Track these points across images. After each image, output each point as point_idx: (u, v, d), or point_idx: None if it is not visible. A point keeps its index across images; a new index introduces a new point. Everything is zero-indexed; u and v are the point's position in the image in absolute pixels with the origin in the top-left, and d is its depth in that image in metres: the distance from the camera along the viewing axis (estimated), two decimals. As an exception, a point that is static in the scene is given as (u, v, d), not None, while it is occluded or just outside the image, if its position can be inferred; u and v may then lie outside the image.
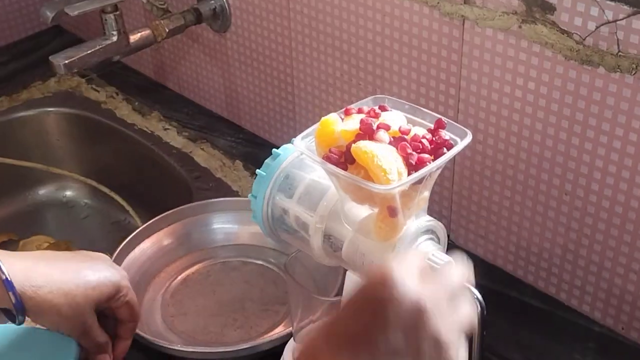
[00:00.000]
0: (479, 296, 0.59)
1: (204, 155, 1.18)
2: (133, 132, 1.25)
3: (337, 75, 1.03)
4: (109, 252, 1.23)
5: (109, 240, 1.26)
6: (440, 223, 0.64)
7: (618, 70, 0.74)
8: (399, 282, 0.48)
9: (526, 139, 0.84)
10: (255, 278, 0.94)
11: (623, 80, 0.74)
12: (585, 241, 0.84)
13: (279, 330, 0.85)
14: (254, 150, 1.19)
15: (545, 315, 0.88)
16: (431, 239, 0.63)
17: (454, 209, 0.96)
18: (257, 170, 0.69)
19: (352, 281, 0.66)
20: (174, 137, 1.23)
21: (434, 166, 0.58)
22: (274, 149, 0.70)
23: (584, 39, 0.75)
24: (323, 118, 0.62)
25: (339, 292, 0.81)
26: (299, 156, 0.69)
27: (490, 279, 0.92)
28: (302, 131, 1.09)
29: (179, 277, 0.94)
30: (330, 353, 0.47)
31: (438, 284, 0.51)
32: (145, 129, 1.25)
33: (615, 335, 0.85)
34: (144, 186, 1.23)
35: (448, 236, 0.97)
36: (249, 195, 0.70)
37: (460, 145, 0.60)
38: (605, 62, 0.75)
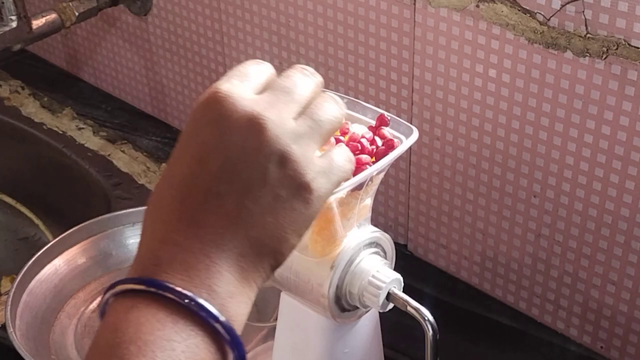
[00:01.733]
0: (429, 317, 0.60)
1: (125, 159, 1.17)
2: (41, 132, 1.24)
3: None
4: (17, 274, 1.22)
5: (17, 259, 1.25)
6: (386, 234, 0.64)
7: (587, 54, 0.75)
8: (230, 96, 0.46)
9: (488, 134, 0.86)
10: (184, 300, 0.94)
11: (593, 66, 0.75)
12: (558, 249, 0.85)
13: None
14: (183, 151, 1.19)
15: (516, 333, 0.90)
16: (376, 252, 0.63)
17: (411, 215, 0.97)
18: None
19: (287, 304, 0.66)
20: (90, 138, 1.22)
21: (374, 169, 0.59)
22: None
23: (549, 19, 0.77)
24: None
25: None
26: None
27: (454, 294, 0.94)
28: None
29: (96, 301, 0.94)
30: (171, 199, 0.46)
31: (283, 93, 0.49)
32: (55, 128, 1.24)
33: (594, 355, 0.86)
34: (56, 196, 1.22)
35: (405, 246, 0.99)
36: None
37: (405, 144, 0.61)
38: (573, 45, 0.76)
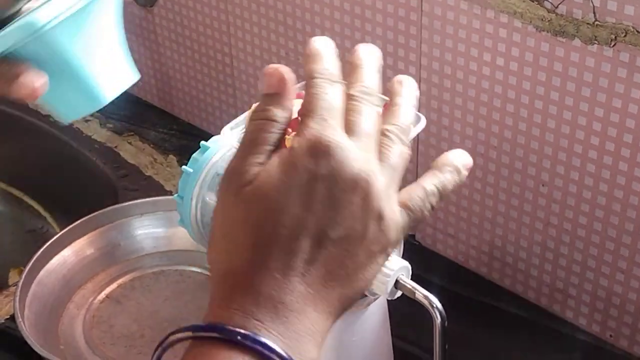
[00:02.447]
0: (438, 304, 0.60)
1: (132, 150, 1.18)
2: (48, 124, 1.24)
3: (281, 54, 1.04)
4: (23, 266, 1.23)
5: (24, 251, 1.25)
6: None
7: (595, 42, 0.75)
8: (336, 150, 0.46)
9: (496, 123, 0.86)
10: (192, 289, 0.94)
11: (601, 53, 0.75)
12: (567, 238, 0.85)
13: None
14: (190, 143, 1.19)
15: (525, 323, 0.90)
16: (384, 240, 0.64)
17: (419, 204, 0.97)
18: (183, 166, 0.69)
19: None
20: (97, 130, 1.22)
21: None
22: (202, 142, 0.70)
23: (557, 7, 0.77)
24: (255, 104, 0.62)
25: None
26: (231, 149, 0.69)
27: (462, 284, 0.94)
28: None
29: (104, 292, 0.94)
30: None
31: (367, 137, 0.49)
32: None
33: (603, 344, 0.86)
34: (63, 188, 1.23)
35: (413, 236, 0.99)
36: (174, 196, 0.70)
37: (413, 131, 0.61)
38: (581, 32, 0.76)
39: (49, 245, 0.94)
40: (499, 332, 0.89)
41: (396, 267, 0.62)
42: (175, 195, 0.70)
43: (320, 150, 0.46)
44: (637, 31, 0.72)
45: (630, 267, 0.81)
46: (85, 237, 0.96)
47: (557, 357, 0.86)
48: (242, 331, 0.44)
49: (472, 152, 0.88)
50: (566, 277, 0.87)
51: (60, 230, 1.18)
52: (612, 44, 0.74)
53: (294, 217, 0.46)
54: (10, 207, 1.30)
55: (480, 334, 0.89)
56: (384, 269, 0.61)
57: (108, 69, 0.71)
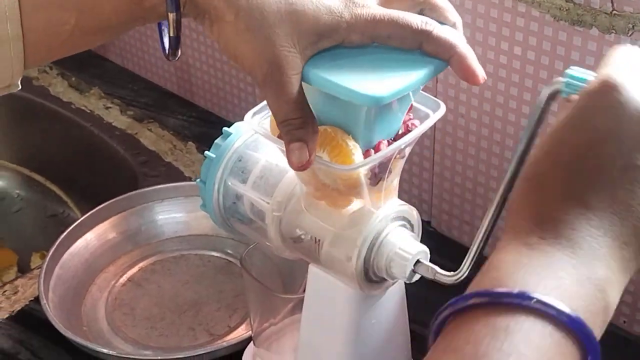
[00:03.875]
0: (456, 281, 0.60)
1: (152, 137, 1.18)
2: (70, 112, 1.25)
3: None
4: (45, 250, 1.24)
5: (46, 236, 1.26)
6: (413, 208, 0.64)
7: (613, 31, 0.75)
8: (624, 86, 0.45)
9: (513, 112, 0.85)
10: (212, 273, 0.95)
11: (619, 42, 0.75)
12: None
13: (240, 333, 0.86)
14: (209, 130, 1.19)
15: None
16: (403, 225, 0.64)
17: (435, 192, 0.97)
18: (206, 152, 0.70)
19: (315, 276, 0.66)
20: (117, 117, 1.23)
21: (401, 143, 0.59)
22: (224, 128, 0.70)
23: (575, -3, 0.76)
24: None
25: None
26: (253, 135, 0.69)
27: (476, 269, 0.93)
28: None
29: (126, 275, 0.95)
30: (556, 178, 0.45)
31: None
32: (83, 108, 1.25)
33: (617, 330, 0.86)
34: (84, 174, 1.23)
35: (429, 223, 0.99)
36: (197, 180, 0.70)
37: (432, 118, 0.61)
38: (599, 22, 0.76)
39: (72, 229, 0.94)
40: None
41: (415, 251, 0.62)
42: (198, 180, 0.70)
43: (607, 88, 0.45)
44: (655, 20, 0.72)
45: (645, 254, 0.81)
46: (107, 222, 0.97)
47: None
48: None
49: (489, 140, 0.89)
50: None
51: (82, 214, 1.20)
52: (630, 33, 0.74)
53: (576, 150, 0.45)
54: (32, 193, 1.30)
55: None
56: (403, 253, 0.62)
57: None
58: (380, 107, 0.58)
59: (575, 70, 0.49)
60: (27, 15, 0.55)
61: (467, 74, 0.57)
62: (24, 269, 1.24)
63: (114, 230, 0.97)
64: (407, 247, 0.62)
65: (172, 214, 0.99)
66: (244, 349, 0.79)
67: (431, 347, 0.43)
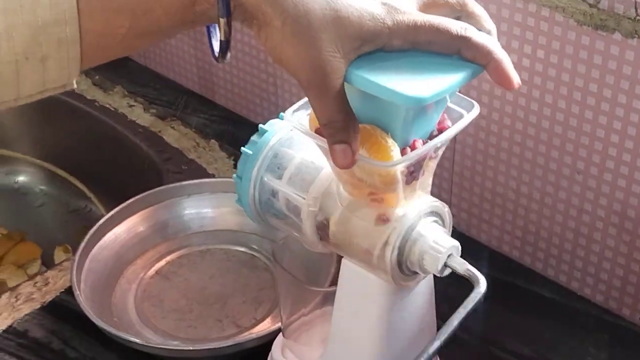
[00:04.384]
0: (483, 280, 0.62)
1: (175, 135, 1.20)
2: (94, 109, 1.26)
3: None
4: (68, 244, 1.25)
5: (68, 230, 1.28)
6: (445, 205, 0.66)
7: (636, 36, 0.76)
8: None
9: (534, 113, 0.87)
10: (238, 267, 0.96)
11: (641, 47, 0.76)
12: (600, 224, 0.86)
13: (266, 325, 0.87)
14: (231, 128, 1.20)
15: (556, 305, 0.91)
16: (435, 221, 0.65)
17: (455, 191, 0.98)
18: (242, 148, 0.71)
19: (348, 269, 0.68)
20: (141, 115, 1.24)
21: (437, 142, 0.61)
22: (260, 125, 0.71)
23: (599, 2, 0.78)
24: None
25: (334, 282, 0.83)
26: (289, 132, 0.70)
27: (495, 267, 0.95)
28: (284, 107, 1.11)
29: (154, 268, 0.96)
30: None
31: None
32: (107, 105, 1.26)
33: (632, 327, 0.88)
34: (107, 170, 1.25)
35: (448, 221, 1.00)
36: (234, 176, 0.71)
37: (467, 118, 0.62)
38: (622, 27, 0.77)
39: (103, 222, 0.96)
40: (531, 314, 0.91)
41: (448, 246, 0.63)
42: (234, 175, 0.71)
43: None
44: (677, 26, 0.74)
45: (662, 253, 0.83)
46: (136, 216, 0.98)
47: (586, 339, 0.87)
48: None
49: (510, 141, 0.90)
50: (598, 262, 0.88)
51: (105, 209, 1.21)
52: (652, 38, 0.75)
53: None
54: (55, 188, 1.32)
55: (511, 315, 0.90)
56: (436, 247, 0.63)
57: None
58: (418, 108, 0.59)
59: None
60: (84, 19, 0.56)
61: (503, 80, 0.58)
62: (47, 263, 1.25)
63: (142, 224, 0.99)
64: (440, 242, 0.63)
65: (199, 209, 1.00)
66: (272, 341, 0.81)
67: None
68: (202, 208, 1.01)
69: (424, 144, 0.61)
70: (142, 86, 1.30)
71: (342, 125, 0.58)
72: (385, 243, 0.63)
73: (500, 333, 0.87)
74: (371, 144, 0.60)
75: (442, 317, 0.85)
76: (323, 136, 0.61)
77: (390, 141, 0.60)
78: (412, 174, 0.62)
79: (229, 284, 0.94)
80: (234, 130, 1.20)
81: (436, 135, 0.62)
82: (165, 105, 1.26)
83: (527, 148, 0.89)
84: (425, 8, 0.59)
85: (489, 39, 0.58)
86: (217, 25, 0.62)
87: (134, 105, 1.26)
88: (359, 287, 0.68)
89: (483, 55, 0.58)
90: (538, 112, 0.87)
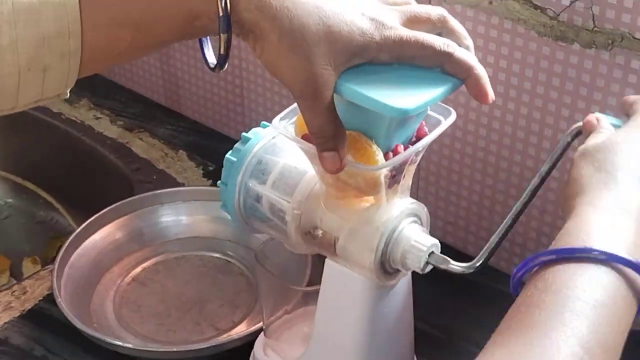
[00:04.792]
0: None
1: (143, 146, 1.21)
2: (60, 122, 1.27)
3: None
4: (37, 256, 1.25)
5: (35, 242, 1.28)
6: (422, 205, 0.69)
7: (594, 46, 0.81)
8: None
9: (497, 120, 0.91)
10: (213, 272, 0.98)
11: (599, 57, 0.81)
12: (561, 224, 0.90)
13: (245, 327, 0.89)
14: (198, 139, 1.22)
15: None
16: (415, 221, 0.68)
17: (420, 195, 1.02)
18: (227, 155, 0.73)
19: (332, 269, 0.70)
20: (108, 127, 1.25)
21: (417, 147, 0.64)
22: (243, 133, 0.74)
23: (558, 15, 0.82)
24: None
25: (310, 282, 0.86)
26: (272, 139, 0.73)
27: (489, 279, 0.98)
28: (251, 117, 1.14)
29: (131, 274, 0.98)
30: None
31: None
32: (74, 118, 1.27)
33: None
34: (75, 181, 1.25)
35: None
36: (218, 183, 0.74)
37: (444, 124, 0.66)
38: (581, 37, 0.81)
39: (80, 230, 0.97)
40: (497, 310, 0.94)
41: (429, 244, 0.67)
42: (219, 182, 0.74)
43: None
44: (633, 37, 0.78)
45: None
46: (112, 224, 1.00)
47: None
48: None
49: (474, 147, 0.94)
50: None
51: (73, 220, 1.22)
52: (610, 48, 0.80)
53: None
54: (21, 200, 1.32)
55: (479, 313, 0.93)
56: (418, 246, 0.66)
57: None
58: (402, 118, 0.62)
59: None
60: (87, 32, 0.57)
61: (480, 94, 0.62)
62: (16, 275, 1.25)
63: (118, 232, 1.00)
64: (421, 240, 0.67)
65: (173, 217, 1.02)
66: (253, 341, 0.83)
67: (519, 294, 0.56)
68: (177, 216, 1.02)
69: (405, 149, 0.64)
70: (108, 99, 1.31)
71: (331, 134, 0.61)
72: (370, 244, 0.66)
73: (470, 329, 0.91)
74: (356, 150, 0.63)
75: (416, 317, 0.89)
76: (310, 142, 0.64)
77: (375, 147, 0.63)
78: (394, 177, 0.65)
79: (205, 289, 0.96)
80: (202, 141, 1.22)
81: (415, 141, 0.66)
82: (131, 118, 1.27)
83: (491, 153, 0.93)
84: (408, 23, 0.62)
85: (469, 55, 0.62)
86: (209, 37, 0.65)
87: (100, 118, 1.27)
88: (342, 285, 0.70)
89: (464, 71, 0.61)
90: (501, 118, 0.90)
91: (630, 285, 0.52)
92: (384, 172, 0.63)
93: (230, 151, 0.73)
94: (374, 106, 0.59)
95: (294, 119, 0.67)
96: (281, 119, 0.67)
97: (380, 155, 0.62)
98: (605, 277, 0.52)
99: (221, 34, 0.59)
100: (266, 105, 1.15)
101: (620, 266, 0.52)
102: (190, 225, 1.02)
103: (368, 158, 0.62)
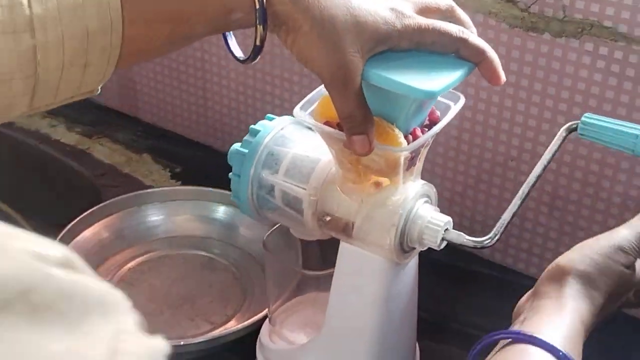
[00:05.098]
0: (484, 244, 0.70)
1: (105, 151, 1.21)
2: (13, 130, 1.25)
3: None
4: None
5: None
6: (432, 186, 0.73)
7: (563, 35, 0.87)
8: None
9: (469, 109, 0.96)
10: (199, 270, 0.99)
11: (568, 45, 0.87)
12: (532, 204, 0.96)
13: (239, 320, 0.91)
14: (160, 142, 1.23)
15: (495, 280, 1.00)
16: (427, 201, 0.72)
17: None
18: (237, 148, 0.75)
19: (347, 251, 0.73)
20: (65, 134, 1.25)
21: (435, 131, 0.68)
22: (251, 126, 0.76)
23: (529, 7, 0.87)
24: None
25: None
26: (280, 131, 0.75)
27: (439, 252, 1.02)
28: (214, 117, 1.15)
29: (117, 275, 0.98)
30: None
31: None
32: (27, 127, 1.26)
33: None
34: (35, 190, 1.24)
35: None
36: (230, 174, 0.76)
37: (454, 109, 0.70)
38: (551, 27, 0.87)
39: (63, 234, 0.97)
40: (474, 290, 0.99)
41: (444, 221, 0.70)
42: (231, 174, 0.76)
43: None
44: (602, 25, 0.84)
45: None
46: (95, 225, 1.00)
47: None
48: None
49: (446, 135, 0.98)
50: (531, 239, 0.98)
51: (36, 231, 1.20)
52: (579, 36, 0.86)
53: None
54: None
55: (459, 293, 0.98)
56: (435, 222, 0.70)
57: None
58: (420, 101, 0.66)
59: (589, 116, 0.70)
60: (128, 27, 0.59)
61: (493, 76, 0.66)
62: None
63: (98, 235, 1.00)
64: (436, 218, 0.70)
65: (155, 217, 1.03)
66: (254, 331, 0.85)
67: None
68: (157, 216, 1.03)
69: (422, 132, 0.68)
70: (62, 107, 1.29)
71: (361, 119, 0.64)
72: (390, 225, 0.70)
73: (453, 309, 0.95)
74: (379, 133, 0.66)
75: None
76: (332, 128, 0.67)
77: (397, 130, 0.66)
78: (412, 159, 0.69)
79: (193, 286, 0.97)
80: (164, 144, 1.23)
81: (428, 124, 0.70)
82: (88, 124, 1.27)
83: (463, 141, 0.98)
84: (420, 13, 0.66)
85: (481, 41, 0.66)
86: (231, 32, 0.67)
87: (56, 125, 1.26)
88: (358, 267, 0.73)
89: (478, 54, 0.66)
90: (473, 107, 0.95)
91: None
92: (405, 154, 0.67)
93: (240, 144, 0.76)
94: (402, 89, 0.62)
95: (310, 109, 0.70)
96: (301, 107, 0.70)
97: (402, 138, 0.66)
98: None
99: (257, 26, 0.61)
100: (231, 105, 1.17)
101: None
102: (173, 224, 1.03)
103: (392, 140, 0.66)
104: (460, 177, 1.00)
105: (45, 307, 0.31)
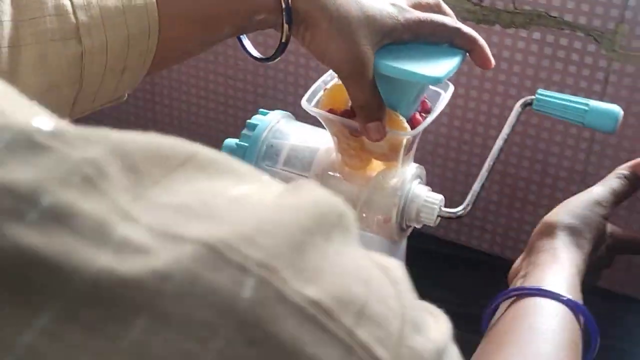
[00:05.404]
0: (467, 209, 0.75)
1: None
2: None
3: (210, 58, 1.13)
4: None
5: None
6: (423, 167, 0.79)
7: (513, 26, 0.94)
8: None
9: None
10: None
11: (518, 35, 0.94)
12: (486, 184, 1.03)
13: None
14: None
15: (452, 258, 1.07)
16: (420, 182, 0.78)
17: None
18: (236, 142, 0.79)
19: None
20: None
21: (431, 119, 0.74)
22: (248, 121, 0.80)
23: (482, 1, 0.95)
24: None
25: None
26: (277, 124, 0.80)
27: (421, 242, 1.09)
28: (164, 122, 1.17)
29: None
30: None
31: None
32: None
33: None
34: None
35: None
36: (230, 167, 0.79)
37: (445, 97, 0.76)
38: (501, 19, 0.94)
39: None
40: (436, 269, 1.06)
41: (438, 199, 0.76)
42: (232, 167, 0.79)
43: None
44: (549, 15, 0.92)
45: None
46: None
47: (477, 281, 1.04)
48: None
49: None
50: (483, 217, 1.05)
51: None
52: (528, 26, 0.93)
53: None
54: None
55: (425, 272, 1.04)
56: (430, 200, 0.76)
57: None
58: (420, 89, 0.72)
59: (542, 92, 0.78)
60: (164, 30, 0.61)
61: (484, 61, 0.73)
62: None
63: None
64: (431, 197, 0.76)
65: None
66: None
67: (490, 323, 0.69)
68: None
69: (422, 117, 0.74)
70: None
71: (376, 107, 0.69)
72: (391, 205, 0.75)
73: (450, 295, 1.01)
74: (387, 120, 0.71)
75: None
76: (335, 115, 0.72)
77: (401, 116, 0.72)
78: (412, 143, 0.75)
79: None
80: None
81: (420, 110, 0.75)
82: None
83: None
84: (414, 7, 0.72)
85: (472, 30, 0.73)
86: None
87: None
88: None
89: (470, 42, 0.72)
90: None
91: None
92: (408, 138, 0.72)
93: (235, 139, 0.79)
94: (412, 77, 0.68)
95: (316, 99, 0.74)
96: (308, 99, 0.74)
97: (406, 123, 0.71)
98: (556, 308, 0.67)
99: (284, 25, 0.65)
100: (173, 105, 1.19)
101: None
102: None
103: (398, 126, 0.71)
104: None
105: (211, 165, 0.32)
